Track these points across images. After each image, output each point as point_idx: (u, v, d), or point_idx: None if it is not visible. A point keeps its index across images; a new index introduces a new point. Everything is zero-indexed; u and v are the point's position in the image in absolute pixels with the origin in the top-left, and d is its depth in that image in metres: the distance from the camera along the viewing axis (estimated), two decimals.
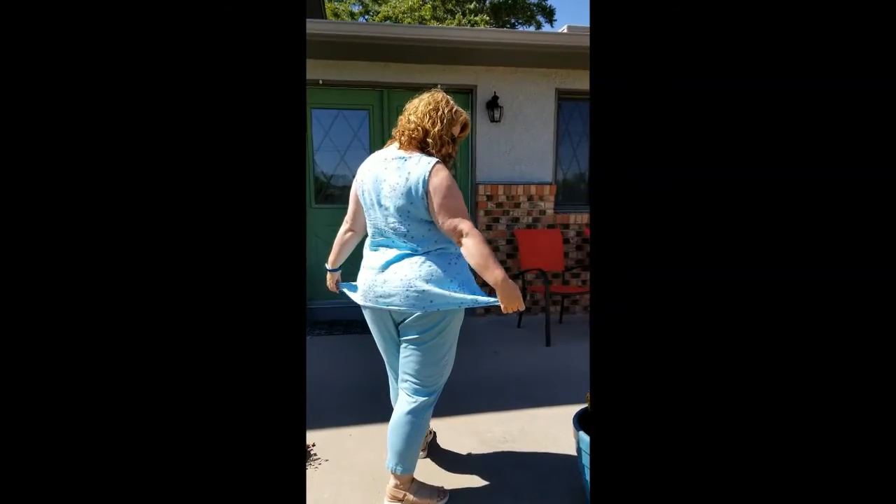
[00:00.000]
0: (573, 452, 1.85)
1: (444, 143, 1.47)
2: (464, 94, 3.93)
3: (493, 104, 3.83)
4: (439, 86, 1.58)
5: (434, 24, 12.43)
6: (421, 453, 1.80)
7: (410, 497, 1.53)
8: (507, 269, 3.99)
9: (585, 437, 1.44)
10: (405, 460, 1.51)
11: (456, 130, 1.52)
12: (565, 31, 4.12)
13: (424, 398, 1.51)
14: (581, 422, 1.54)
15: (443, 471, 1.77)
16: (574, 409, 2.22)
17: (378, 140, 3.88)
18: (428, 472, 1.75)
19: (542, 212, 4.02)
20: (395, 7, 13.63)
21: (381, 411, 2.10)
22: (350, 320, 3.84)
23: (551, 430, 2.08)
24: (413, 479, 1.57)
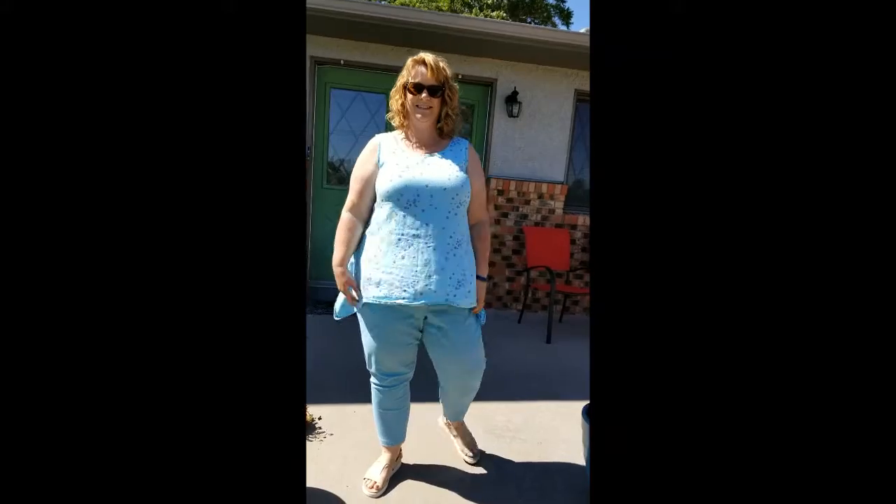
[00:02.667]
0: (575, 446, 1.87)
1: (396, 102, 1.43)
2: (484, 87, 3.93)
3: (512, 99, 3.83)
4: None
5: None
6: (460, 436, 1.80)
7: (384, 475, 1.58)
8: (511, 266, 4.02)
9: None
10: (378, 431, 1.61)
11: (401, 80, 1.42)
12: (583, 32, 4.13)
13: None
14: (590, 415, 1.56)
15: (450, 454, 1.79)
16: (575, 405, 2.25)
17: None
18: (433, 454, 1.78)
19: (552, 211, 4.04)
20: None
21: None
22: None
23: (553, 422, 2.10)
24: (396, 456, 1.64)
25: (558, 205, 4.05)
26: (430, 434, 1.90)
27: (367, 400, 2.12)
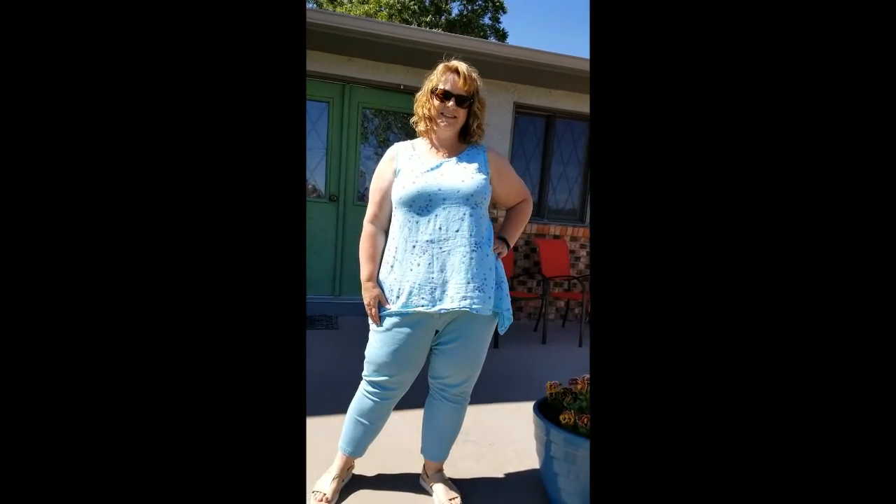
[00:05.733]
0: (527, 444, 1.89)
1: (421, 107, 1.38)
2: None
3: None
4: (444, 56, 1.42)
5: None
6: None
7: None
8: None
9: (549, 426, 1.48)
10: (343, 438, 1.56)
11: (430, 85, 1.36)
12: (524, 47, 4.30)
13: None
14: (541, 411, 1.57)
15: (399, 461, 1.75)
16: (520, 405, 2.29)
17: (337, 133, 3.82)
18: (386, 462, 1.73)
19: (494, 219, 4.13)
20: (349, 10, 13.51)
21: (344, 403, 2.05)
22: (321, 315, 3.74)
23: (502, 423, 2.12)
24: (347, 467, 1.59)
25: (501, 214, 4.14)
26: (381, 445, 1.84)
27: (313, 412, 2.05)
